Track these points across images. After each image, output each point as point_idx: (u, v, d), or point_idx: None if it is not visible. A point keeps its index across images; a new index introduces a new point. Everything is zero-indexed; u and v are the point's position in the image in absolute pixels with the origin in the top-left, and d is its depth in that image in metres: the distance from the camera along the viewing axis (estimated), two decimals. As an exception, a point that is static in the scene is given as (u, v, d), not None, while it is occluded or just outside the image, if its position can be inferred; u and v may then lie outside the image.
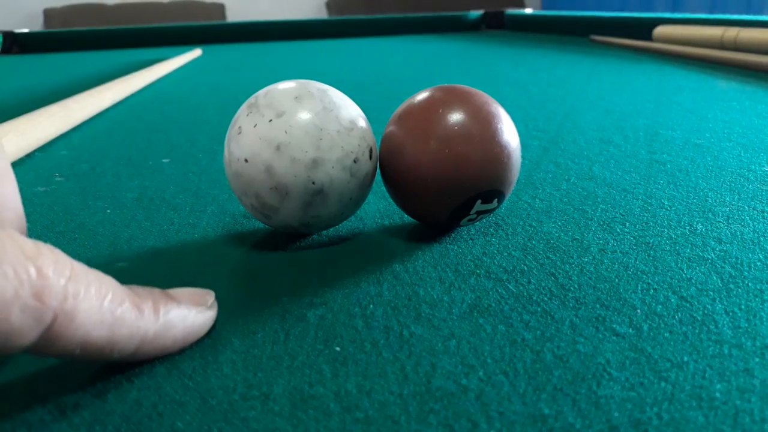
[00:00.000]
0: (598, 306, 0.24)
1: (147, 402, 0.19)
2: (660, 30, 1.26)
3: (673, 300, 0.24)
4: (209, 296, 0.22)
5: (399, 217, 0.35)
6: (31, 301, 0.16)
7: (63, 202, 0.39)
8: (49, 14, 3.03)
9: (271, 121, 0.27)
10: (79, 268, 0.18)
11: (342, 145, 0.28)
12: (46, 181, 0.44)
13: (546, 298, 0.25)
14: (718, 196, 0.37)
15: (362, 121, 0.30)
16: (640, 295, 0.25)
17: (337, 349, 0.22)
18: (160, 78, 1.08)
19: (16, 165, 0.49)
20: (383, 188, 0.39)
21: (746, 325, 0.22)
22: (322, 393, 0.19)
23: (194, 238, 0.32)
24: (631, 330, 0.22)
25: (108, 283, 0.18)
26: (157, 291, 0.21)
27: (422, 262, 0.29)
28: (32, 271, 0.16)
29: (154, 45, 1.85)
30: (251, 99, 0.29)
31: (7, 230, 0.17)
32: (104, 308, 0.18)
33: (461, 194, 0.29)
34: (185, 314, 0.21)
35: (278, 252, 0.30)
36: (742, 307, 0.23)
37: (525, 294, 0.25)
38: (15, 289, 0.15)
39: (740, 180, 0.39)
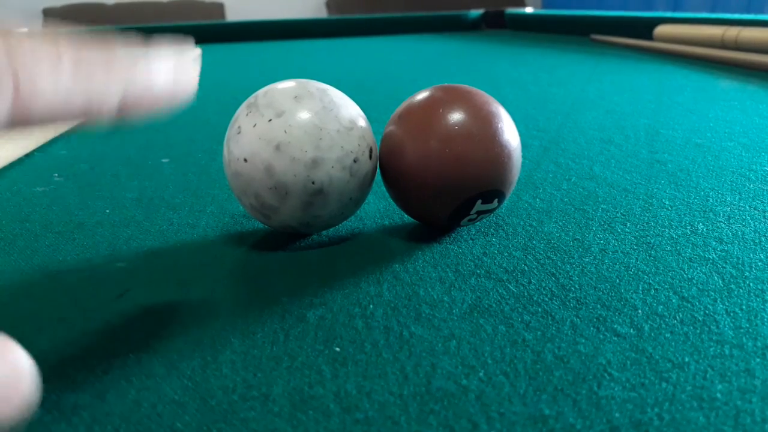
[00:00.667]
0: (599, 306, 0.24)
1: (146, 402, 0.19)
2: (661, 29, 1.26)
3: (674, 300, 0.24)
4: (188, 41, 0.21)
5: (399, 217, 0.35)
6: None
7: (62, 202, 0.39)
8: (48, 13, 3.03)
9: (270, 120, 0.27)
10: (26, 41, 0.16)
11: (342, 144, 0.28)
12: (45, 181, 0.44)
13: (547, 299, 0.25)
14: (719, 195, 0.36)
15: (362, 121, 0.30)
16: (641, 296, 0.25)
17: (337, 349, 0.21)
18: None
19: (15, 165, 0.49)
20: (383, 188, 0.39)
21: (747, 325, 0.22)
22: (321, 393, 0.19)
23: (193, 238, 0.32)
24: (632, 330, 0.22)
25: (56, 37, 0.17)
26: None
27: (422, 262, 0.28)
28: None
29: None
30: (251, 98, 0.29)
31: None
32: (64, 59, 0.16)
33: (461, 194, 0.28)
34: (167, 52, 0.19)
35: (278, 252, 0.30)
36: (744, 307, 0.23)
37: (525, 294, 0.25)
38: None
39: (741, 180, 0.39)
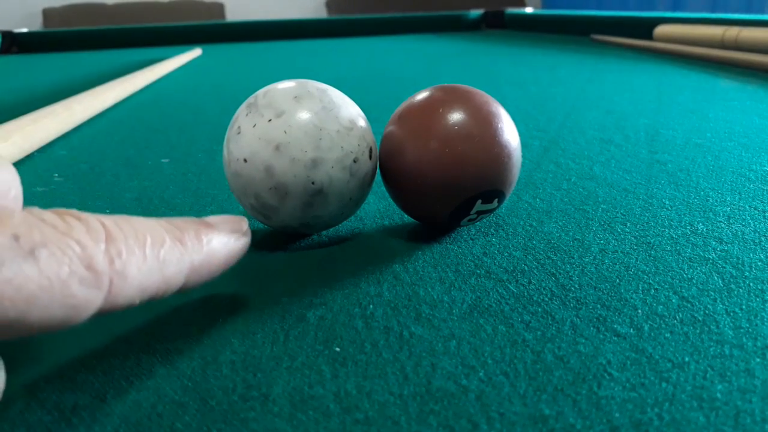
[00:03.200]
0: (599, 306, 0.24)
1: (146, 403, 0.19)
2: (661, 29, 1.26)
3: (674, 300, 0.24)
4: (243, 222, 0.23)
5: (399, 217, 0.35)
6: (85, 273, 0.16)
7: (62, 202, 0.39)
8: (48, 14, 3.03)
9: (270, 120, 0.27)
10: (111, 224, 0.17)
11: (342, 144, 0.28)
12: (45, 182, 0.44)
13: (547, 299, 0.25)
14: (719, 195, 0.36)
15: (362, 121, 0.30)
16: (641, 296, 0.25)
17: (337, 349, 0.22)
18: (159, 78, 1.08)
19: (15, 165, 0.48)
20: (383, 188, 0.39)
21: (747, 325, 0.22)
22: (321, 394, 0.19)
23: (194, 238, 0.32)
24: (632, 330, 0.22)
25: (143, 227, 0.18)
26: (196, 220, 0.21)
27: (422, 262, 0.28)
28: (73, 244, 0.16)
29: (153, 44, 1.85)
30: (250, 99, 0.29)
31: (28, 209, 0.16)
32: (148, 255, 0.18)
33: (461, 194, 0.28)
34: (226, 241, 0.21)
35: (278, 252, 0.30)
36: (743, 307, 0.23)
37: (525, 294, 0.25)
38: (68, 266, 0.15)
39: (741, 180, 0.39)
